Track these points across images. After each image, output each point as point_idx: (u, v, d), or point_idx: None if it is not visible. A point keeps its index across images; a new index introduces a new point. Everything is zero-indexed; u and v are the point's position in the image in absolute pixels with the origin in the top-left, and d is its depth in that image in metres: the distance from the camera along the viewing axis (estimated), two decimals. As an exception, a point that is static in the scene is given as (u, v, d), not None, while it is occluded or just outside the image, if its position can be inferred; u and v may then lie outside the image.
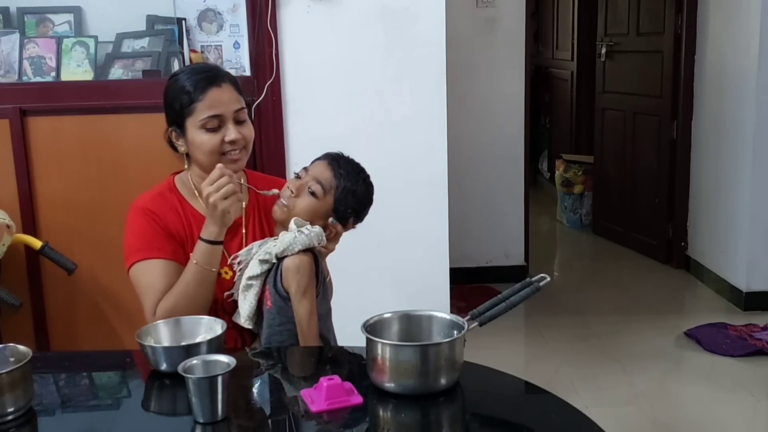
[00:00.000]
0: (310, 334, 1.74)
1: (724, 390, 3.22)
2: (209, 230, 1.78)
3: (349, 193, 1.79)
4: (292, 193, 1.78)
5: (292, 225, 1.76)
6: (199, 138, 1.84)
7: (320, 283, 1.79)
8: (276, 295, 1.76)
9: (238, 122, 1.87)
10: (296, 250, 1.73)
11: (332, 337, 1.87)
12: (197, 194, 1.91)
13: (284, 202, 1.78)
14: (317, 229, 1.75)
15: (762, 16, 3.82)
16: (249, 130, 1.89)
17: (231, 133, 1.84)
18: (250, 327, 1.80)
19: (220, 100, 1.84)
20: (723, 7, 4.23)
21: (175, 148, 1.93)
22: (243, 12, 2.86)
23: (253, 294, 1.78)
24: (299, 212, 1.77)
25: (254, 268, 1.76)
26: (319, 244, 1.76)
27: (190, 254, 1.81)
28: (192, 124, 1.84)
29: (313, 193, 1.77)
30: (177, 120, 1.86)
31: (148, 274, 1.82)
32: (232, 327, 1.82)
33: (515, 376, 1.59)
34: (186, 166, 1.94)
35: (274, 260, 1.75)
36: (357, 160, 1.86)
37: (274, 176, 2.23)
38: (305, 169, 1.83)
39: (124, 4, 2.93)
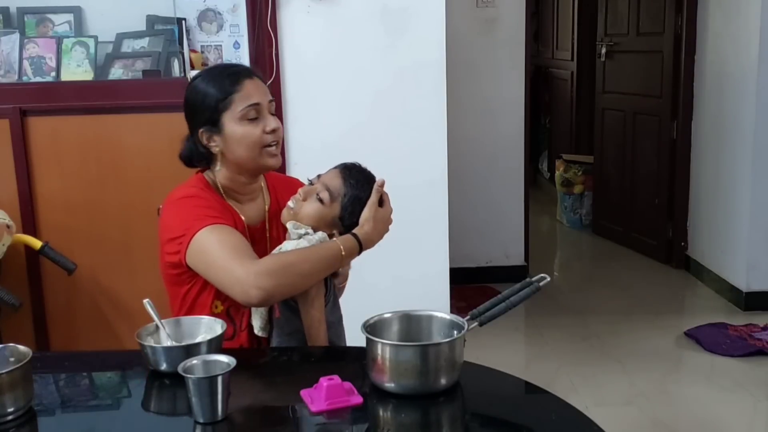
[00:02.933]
0: (319, 342, 1.75)
1: (724, 390, 3.22)
2: (371, 243, 1.76)
3: (356, 201, 1.77)
4: (301, 196, 1.77)
5: (290, 230, 1.75)
6: (240, 130, 1.78)
7: (329, 291, 1.80)
8: (283, 304, 1.76)
9: (270, 114, 1.84)
10: None
11: (343, 344, 1.86)
12: (224, 197, 1.85)
13: (291, 206, 1.77)
14: (319, 234, 1.74)
15: (762, 16, 3.82)
16: (279, 123, 1.87)
17: (271, 122, 1.80)
18: (264, 336, 1.80)
19: (257, 90, 1.81)
20: (723, 7, 4.22)
21: (201, 154, 1.84)
22: (243, 12, 2.86)
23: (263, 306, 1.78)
24: (304, 217, 1.75)
25: None
26: None
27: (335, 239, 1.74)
28: (230, 118, 1.78)
29: (320, 199, 1.75)
30: (211, 118, 1.79)
31: (224, 233, 1.70)
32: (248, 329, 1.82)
33: (515, 376, 1.59)
34: (218, 167, 1.84)
35: None
36: (356, 159, 1.85)
37: (291, 177, 2.16)
38: (318, 176, 1.81)
39: (124, 4, 2.93)
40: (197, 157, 1.86)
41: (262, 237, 1.88)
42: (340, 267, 1.75)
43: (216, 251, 1.68)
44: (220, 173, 1.85)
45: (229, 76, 1.80)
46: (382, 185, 1.78)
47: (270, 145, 1.81)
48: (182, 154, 1.90)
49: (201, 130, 1.81)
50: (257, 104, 1.80)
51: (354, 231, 1.75)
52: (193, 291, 1.81)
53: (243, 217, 1.85)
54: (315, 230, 1.75)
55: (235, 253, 1.66)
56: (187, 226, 1.72)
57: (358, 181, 1.78)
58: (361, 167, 1.83)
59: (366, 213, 1.76)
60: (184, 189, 1.84)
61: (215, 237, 1.69)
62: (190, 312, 1.80)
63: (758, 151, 3.96)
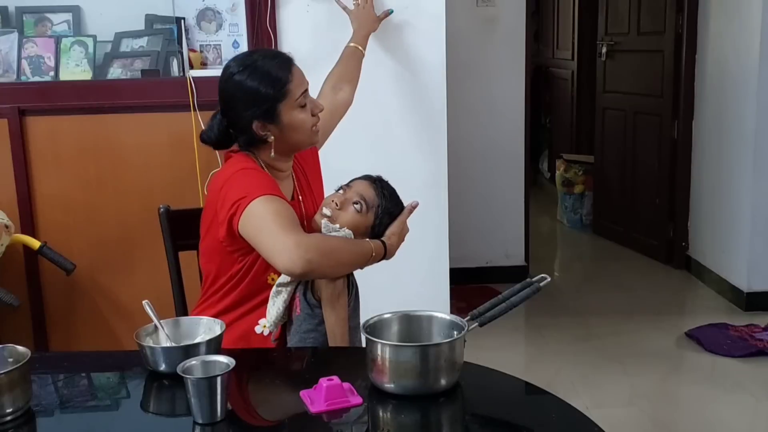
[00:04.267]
0: (339, 341, 1.76)
1: (724, 391, 3.21)
2: (393, 250, 1.85)
3: (387, 213, 1.85)
4: (337, 205, 1.82)
5: (325, 224, 1.79)
6: (298, 118, 1.84)
7: (351, 296, 1.82)
8: (305, 302, 1.78)
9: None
10: None
11: None
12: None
13: (328, 213, 1.81)
14: (348, 231, 1.78)
15: (763, 16, 3.81)
16: None
17: (318, 103, 1.89)
18: (272, 330, 1.81)
19: (302, 75, 1.87)
20: (724, 7, 4.22)
21: (249, 142, 1.87)
22: (242, 11, 2.85)
23: (281, 300, 1.80)
24: (341, 225, 1.80)
25: (284, 276, 1.78)
26: None
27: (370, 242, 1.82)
28: (288, 107, 1.83)
29: (358, 209, 1.81)
30: (267, 110, 1.81)
31: (283, 205, 1.75)
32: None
33: (515, 377, 1.58)
34: (272, 154, 1.87)
35: None
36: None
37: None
38: (347, 185, 1.87)
39: (123, 4, 2.93)
40: (245, 141, 1.88)
41: (299, 209, 1.92)
42: (364, 267, 1.81)
43: (270, 218, 1.71)
44: (263, 153, 1.89)
45: (278, 67, 1.83)
46: (415, 206, 1.90)
47: (316, 125, 1.89)
48: (209, 137, 1.91)
49: (256, 123, 1.83)
50: (306, 90, 1.86)
51: (383, 239, 1.83)
52: (245, 267, 1.85)
53: (285, 194, 1.88)
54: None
55: (289, 224, 1.71)
56: (249, 190, 1.75)
57: (391, 195, 1.88)
58: (386, 181, 1.91)
59: (394, 228, 1.86)
60: (239, 163, 1.85)
61: (272, 206, 1.73)
62: (237, 287, 1.86)
63: (759, 150, 3.95)
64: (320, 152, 2.22)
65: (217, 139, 1.91)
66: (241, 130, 1.86)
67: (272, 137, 1.85)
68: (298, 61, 2.87)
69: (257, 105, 1.81)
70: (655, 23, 4.77)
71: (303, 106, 1.86)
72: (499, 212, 4.54)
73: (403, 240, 1.90)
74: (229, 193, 1.78)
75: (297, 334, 1.80)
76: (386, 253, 1.84)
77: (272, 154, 1.87)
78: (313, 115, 1.88)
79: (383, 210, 1.84)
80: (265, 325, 1.82)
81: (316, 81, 2.91)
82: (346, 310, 1.78)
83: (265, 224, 1.71)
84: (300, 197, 1.96)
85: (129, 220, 2.84)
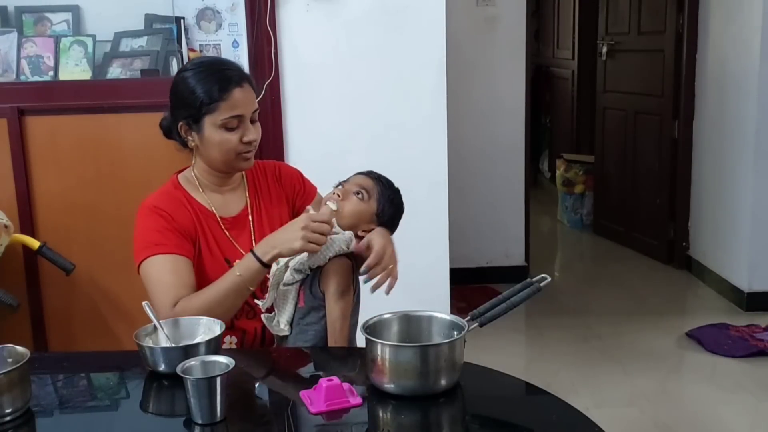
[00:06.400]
0: (342, 336, 1.77)
1: (725, 391, 3.21)
2: (270, 252, 1.73)
3: (388, 199, 1.88)
4: (339, 196, 1.84)
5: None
6: (218, 137, 1.82)
7: (355, 292, 1.83)
8: (310, 296, 1.80)
9: (252, 122, 1.87)
10: (327, 257, 1.76)
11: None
12: (201, 189, 1.92)
13: (334, 208, 1.83)
14: (347, 233, 1.79)
15: (763, 15, 3.81)
16: (259, 131, 1.89)
17: (251, 133, 1.84)
18: (287, 333, 1.82)
19: (244, 100, 1.83)
20: (724, 6, 4.22)
21: (183, 143, 1.90)
22: (242, 11, 2.85)
23: (291, 299, 1.82)
24: (347, 214, 1.83)
25: (288, 277, 1.79)
26: (348, 248, 1.79)
27: (235, 263, 1.80)
28: (211, 122, 1.82)
29: (360, 197, 1.84)
30: (194, 115, 1.83)
31: (158, 268, 1.80)
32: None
33: (516, 377, 1.58)
34: (193, 161, 1.93)
35: (308, 272, 1.79)
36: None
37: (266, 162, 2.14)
38: (344, 181, 1.90)
39: (123, 3, 2.93)
40: (175, 137, 1.93)
41: (245, 224, 1.93)
42: (250, 286, 1.78)
43: (152, 285, 1.80)
44: (197, 167, 1.93)
45: (219, 81, 1.81)
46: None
47: (245, 152, 1.86)
48: (162, 125, 1.95)
49: (181, 123, 1.87)
50: (240, 116, 1.82)
51: (253, 249, 1.79)
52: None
53: (215, 211, 1.90)
54: (351, 228, 1.82)
55: (165, 290, 1.77)
56: (137, 250, 1.85)
57: (388, 182, 1.91)
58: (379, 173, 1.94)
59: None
60: (154, 197, 1.92)
61: (150, 270, 1.81)
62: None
63: (760, 150, 3.95)
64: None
65: (167, 127, 1.93)
66: (173, 123, 1.89)
67: (193, 143, 1.87)
68: (298, 61, 2.89)
69: (187, 107, 1.83)
70: (656, 23, 4.77)
71: (230, 129, 1.82)
72: (499, 212, 4.54)
73: (290, 227, 1.73)
74: (134, 233, 1.89)
75: (298, 326, 1.81)
76: (260, 256, 1.73)
77: (194, 159, 1.90)
78: (244, 142, 1.83)
79: (385, 197, 1.87)
80: (231, 338, 1.86)
81: (315, 80, 2.91)
82: (350, 306, 1.79)
83: (149, 290, 1.81)
84: (251, 213, 1.95)
85: (129, 220, 2.81)
